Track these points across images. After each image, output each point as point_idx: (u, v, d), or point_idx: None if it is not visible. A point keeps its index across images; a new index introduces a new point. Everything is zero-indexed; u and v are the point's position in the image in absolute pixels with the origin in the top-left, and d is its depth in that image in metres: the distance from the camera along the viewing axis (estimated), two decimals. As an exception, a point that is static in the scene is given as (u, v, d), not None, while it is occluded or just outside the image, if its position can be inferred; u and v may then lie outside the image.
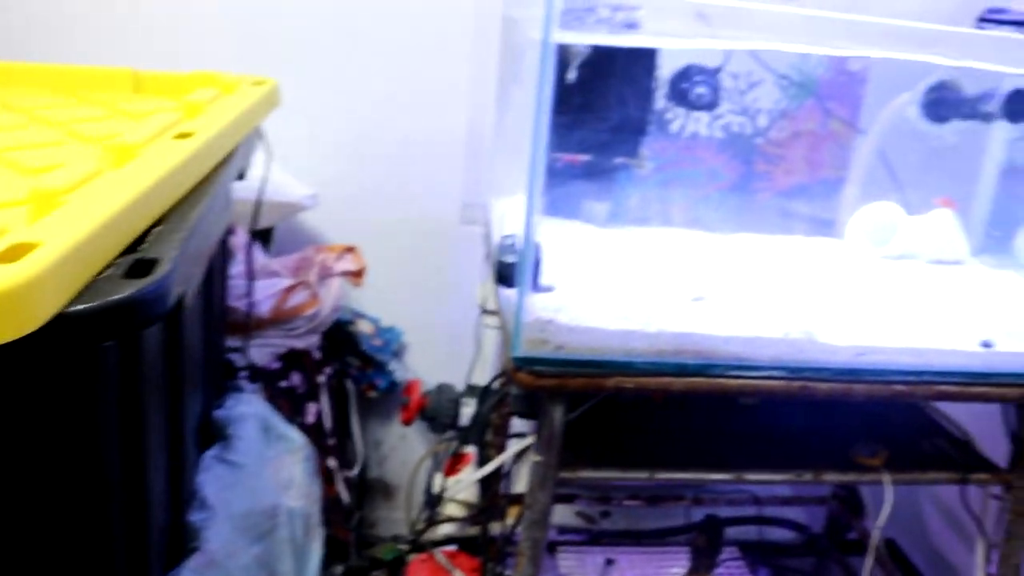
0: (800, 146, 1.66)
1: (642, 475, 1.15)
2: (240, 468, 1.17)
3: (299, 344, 1.70)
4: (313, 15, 1.83)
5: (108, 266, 0.63)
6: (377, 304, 2.09)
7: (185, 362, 0.97)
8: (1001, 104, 1.27)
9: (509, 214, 1.19)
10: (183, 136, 0.84)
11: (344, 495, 1.76)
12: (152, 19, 1.79)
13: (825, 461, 1.20)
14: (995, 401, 1.15)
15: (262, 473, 1.23)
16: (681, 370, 1.04)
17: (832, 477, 1.21)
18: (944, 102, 1.36)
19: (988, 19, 1.34)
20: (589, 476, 1.15)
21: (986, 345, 1.11)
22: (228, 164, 0.95)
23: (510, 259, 1.01)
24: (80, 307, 0.56)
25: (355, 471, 1.89)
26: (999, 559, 1.29)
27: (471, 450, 1.72)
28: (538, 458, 1.09)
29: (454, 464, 1.74)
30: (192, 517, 1.02)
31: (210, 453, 1.15)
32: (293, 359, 1.69)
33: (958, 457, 1.26)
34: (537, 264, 1.03)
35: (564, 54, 1.29)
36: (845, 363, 1.07)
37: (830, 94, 1.63)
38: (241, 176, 1.11)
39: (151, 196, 0.69)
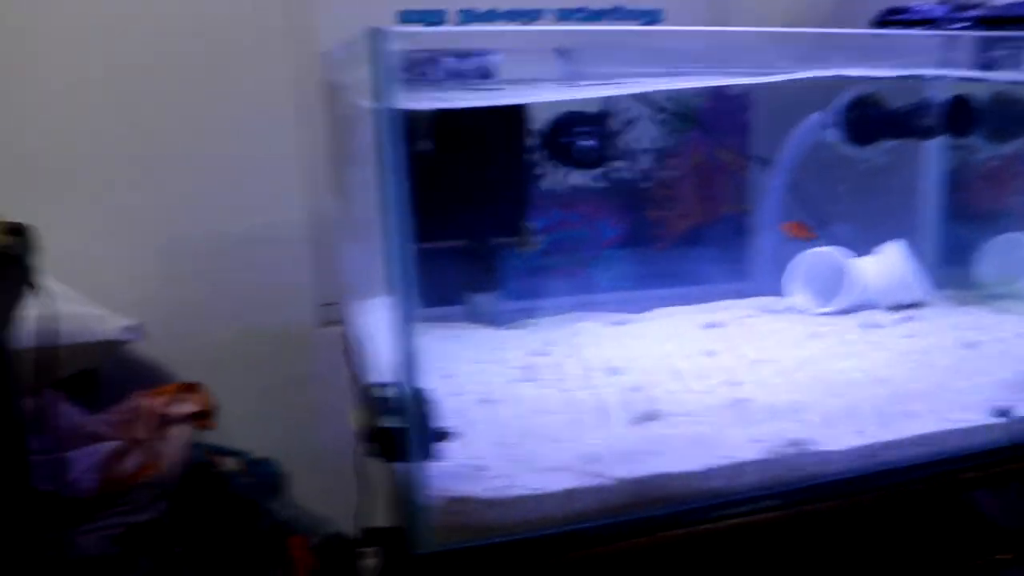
0: (691, 184, 1.46)
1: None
2: None
3: (141, 518, 1.36)
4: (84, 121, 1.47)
5: None
6: (241, 434, 1.74)
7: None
8: (943, 116, 1.07)
9: (374, 331, 0.89)
10: None
11: None
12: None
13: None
14: None
15: None
16: (649, 526, 0.77)
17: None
18: (869, 120, 1.16)
19: (889, 20, 1.16)
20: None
21: (1003, 414, 0.89)
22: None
23: (391, 423, 0.71)
24: None
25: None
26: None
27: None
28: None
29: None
30: None
31: None
32: (136, 537, 1.35)
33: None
34: (425, 423, 0.73)
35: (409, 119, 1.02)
36: (850, 470, 0.82)
37: (713, 122, 1.45)
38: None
39: None
